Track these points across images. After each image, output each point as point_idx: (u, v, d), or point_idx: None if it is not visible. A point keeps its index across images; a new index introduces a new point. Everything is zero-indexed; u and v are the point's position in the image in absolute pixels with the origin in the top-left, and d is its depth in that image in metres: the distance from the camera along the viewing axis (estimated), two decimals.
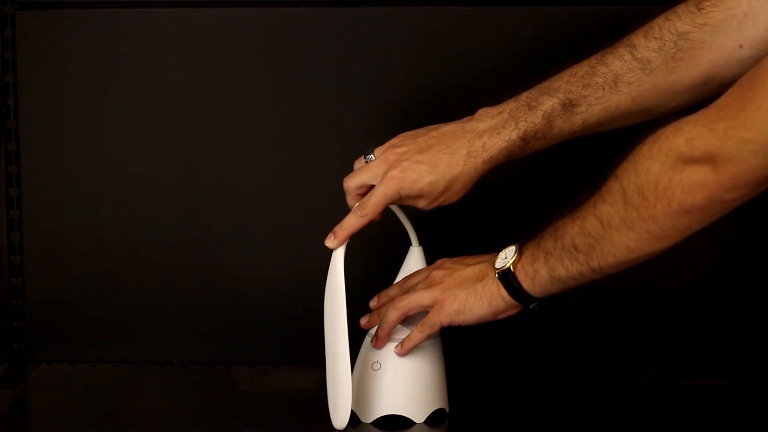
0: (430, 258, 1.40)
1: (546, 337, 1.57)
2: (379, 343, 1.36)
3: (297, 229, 1.58)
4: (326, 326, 1.32)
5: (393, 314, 1.35)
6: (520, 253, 1.30)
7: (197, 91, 1.55)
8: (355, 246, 1.58)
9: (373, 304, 1.41)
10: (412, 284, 1.37)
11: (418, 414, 1.36)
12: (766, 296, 1.57)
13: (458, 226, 1.55)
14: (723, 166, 1.11)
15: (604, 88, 1.33)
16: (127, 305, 1.59)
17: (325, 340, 1.33)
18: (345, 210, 1.57)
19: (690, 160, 1.13)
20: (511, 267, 1.30)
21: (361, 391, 1.36)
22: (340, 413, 1.32)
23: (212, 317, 1.59)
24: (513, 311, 1.32)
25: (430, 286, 1.34)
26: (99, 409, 1.45)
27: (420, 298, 1.34)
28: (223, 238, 1.58)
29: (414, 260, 1.40)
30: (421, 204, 1.33)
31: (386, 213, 1.56)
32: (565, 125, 1.33)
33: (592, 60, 1.34)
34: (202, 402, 1.47)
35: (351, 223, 1.34)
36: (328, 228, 1.57)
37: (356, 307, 1.49)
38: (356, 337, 1.38)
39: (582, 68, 1.34)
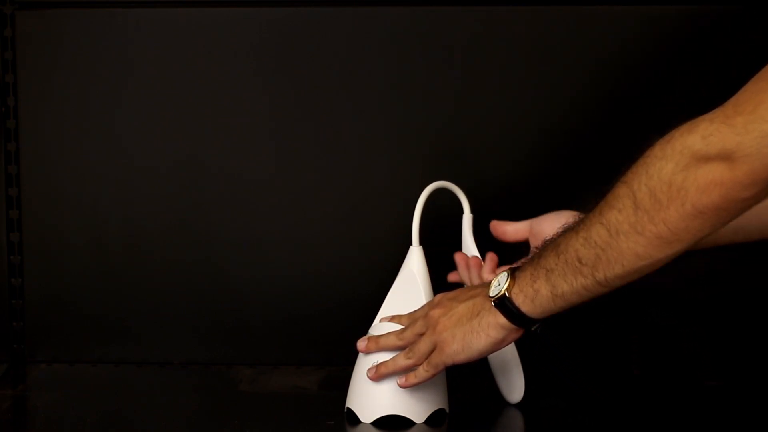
0: (429, 259, 1.40)
1: (545, 336, 1.57)
2: (378, 372, 1.36)
3: (297, 230, 1.57)
4: None
5: (402, 362, 1.34)
6: (513, 276, 1.27)
7: (198, 91, 1.55)
8: (355, 246, 1.58)
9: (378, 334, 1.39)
10: (414, 317, 1.35)
11: (418, 414, 1.36)
12: (766, 297, 1.57)
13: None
14: (740, 162, 1.08)
15: None
16: (127, 305, 1.59)
17: None
18: (344, 210, 1.57)
19: (706, 158, 1.10)
20: (506, 292, 1.27)
21: (361, 391, 1.36)
22: (516, 391, 1.43)
23: (212, 317, 1.59)
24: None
25: (428, 327, 1.32)
26: (99, 409, 1.44)
27: (422, 348, 1.32)
28: (223, 238, 1.58)
29: (414, 260, 1.39)
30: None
31: (386, 212, 1.56)
32: None
33: None
34: (202, 402, 1.47)
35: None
36: (328, 227, 1.57)
37: (357, 307, 1.49)
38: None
39: None
